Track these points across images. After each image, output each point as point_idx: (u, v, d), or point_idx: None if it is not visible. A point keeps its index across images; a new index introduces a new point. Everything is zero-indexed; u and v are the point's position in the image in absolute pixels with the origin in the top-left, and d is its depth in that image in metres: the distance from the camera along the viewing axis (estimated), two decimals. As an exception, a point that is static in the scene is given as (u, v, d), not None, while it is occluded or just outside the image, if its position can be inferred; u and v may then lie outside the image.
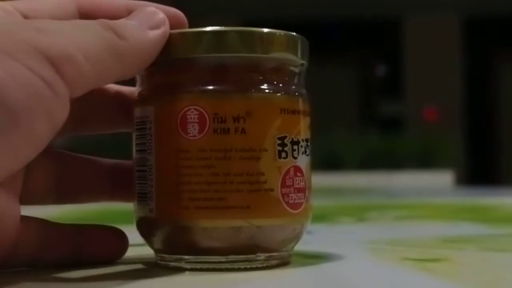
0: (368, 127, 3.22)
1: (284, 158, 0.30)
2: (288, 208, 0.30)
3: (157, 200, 0.29)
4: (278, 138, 0.29)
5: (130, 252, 0.33)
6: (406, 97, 4.08)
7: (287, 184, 0.30)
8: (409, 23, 4.08)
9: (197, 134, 0.28)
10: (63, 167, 0.32)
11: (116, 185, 0.33)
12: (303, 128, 0.31)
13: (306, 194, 0.31)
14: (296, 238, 0.31)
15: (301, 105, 0.31)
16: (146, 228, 0.30)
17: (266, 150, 0.29)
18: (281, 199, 0.29)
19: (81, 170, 0.33)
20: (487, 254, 0.34)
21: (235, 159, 0.28)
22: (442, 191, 1.44)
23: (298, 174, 0.30)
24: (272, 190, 0.29)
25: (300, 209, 0.30)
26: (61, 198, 0.32)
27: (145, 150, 0.30)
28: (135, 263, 0.32)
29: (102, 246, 0.32)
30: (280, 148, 0.29)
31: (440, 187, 1.72)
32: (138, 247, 0.33)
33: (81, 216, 0.57)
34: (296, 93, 0.30)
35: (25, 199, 0.30)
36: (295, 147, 0.30)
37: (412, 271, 0.29)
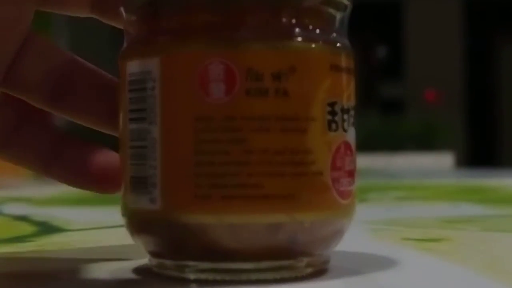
0: (369, 109, 3.17)
1: (334, 130, 0.22)
2: (338, 198, 0.22)
3: (163, 186, 0.21)
4: (329, 104, 0.22)
5: (113, 254, 0.26)
6: (407, 79, 4.03)
7: (337, 165, 0.22)
8: (410, 4, 4.01)
9: (224, 96, 0.21)
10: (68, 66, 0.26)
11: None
12: (352, 92, 0.23)
13: (355, 178, 0.24)
14: (341, 236, 0.23)
15: (350, 61, 0.23)
16: (142, 224, 0.22)
17: (314, 120, 0.22)
18: (331, 185, 0.22)
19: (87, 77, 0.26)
20: (487, 235, 0.33)
21: (275, 131, 0.21)
22: (442, 172, 1.43)
23: (348, 153, 0.23)
24: (321, 173, 0.22)
25: (350, 199, 0.23)
26: (54, 100, 0.26)
27: (144, 118, 0.22)
28: (122, 270, 0.24)
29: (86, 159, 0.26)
30: (330, 117, 0.22)
31: (440, 168, 1.73)
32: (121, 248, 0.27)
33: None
34: (345, 46, 0.23)
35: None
36: (345, 116, 0.23)
37: (413, 251, 0.28)
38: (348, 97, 0.23)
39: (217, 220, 0.21)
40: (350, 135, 0.23)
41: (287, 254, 0.22)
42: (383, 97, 4.05)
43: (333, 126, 0.22)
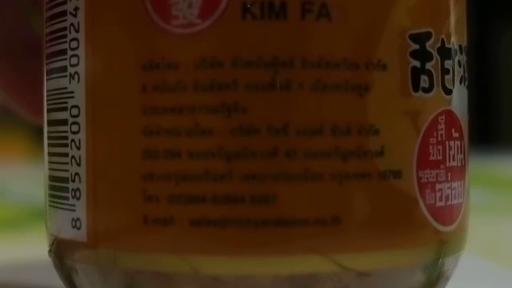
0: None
1: (425, 90, 0.11)
2: (433, 220, 0.11)
3: (90, 198, 0.11)
4: (412, 37, 0.11)
5: None
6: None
7: (431, 158, 0.11)
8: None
9: (198, 21, 0.10)
10: None
11: None
12: (462, 20, 0.12)
13: (466, 181, 0.13)
14: (436, 284, 0.12)
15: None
16: (64, 266, 0.12)
17: (384, 68, 0.11)
18: (419, 197, 0.11)
19: None
20: (487, 219, 0.32)
21: (302, 91, 0.10)
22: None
23: (455, 134, 0.12)
24: (397, 173, 0.11)
25: (457, 221, 0.12)
26: None
27: (63, 69, 0.12)
28: None
29: None
30: (417, 64, 0.11)
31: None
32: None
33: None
34: None
35: None
36: (448, 63, 0.12)
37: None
38: (455, 27, 0.12)
39: (187, 267, 0.11)
40: (458, 101, 0.12)
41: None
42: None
43: (424, 80, 0.11)
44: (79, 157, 0.11)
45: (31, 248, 0.24)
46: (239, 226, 0.10)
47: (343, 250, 0.10)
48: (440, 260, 0.12)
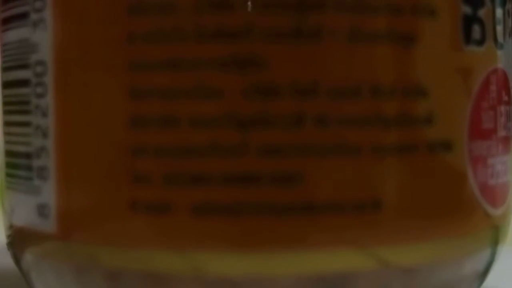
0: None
1: (477, 43, 0.09)
2: (484, 202, 0.09)
3: (61, 179, 0.09)
4: (464, -22, 0.09)
5: None
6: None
7: (483, 126, 0.09)
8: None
9: None
10: None
11: None
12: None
13: (510, 155, 0.11)
14: (482, 280, 0.10)
15: None
16: (28, 265, 0.10)
17: (432, 14, 0.09)
18: (470, 174, 0.09)
19: None
20: None
21: (334, 40, 0.08)
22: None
23: (505, 97, 0.10)
24: (448, 145, 0.09)
25: (507, 202, 0.10)
26: None
27: (25, 16, 0.09)
28: None
29: None
30: (469, 11, 0.09)
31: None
32: None
33: None
34: None
35: None
36: (499, 12, 0.10)
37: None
38: (503, -33, 0.10)
39: (188, 266, 0.08)
40: (508, 57, 0.10)
41: None
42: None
43: (475, 31, 0.09)
44: (46, 127, 0.09)
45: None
46: (255, 213, 0.08)
47: (385, 242, 0.08)
48: (491, 248, 0.10)
